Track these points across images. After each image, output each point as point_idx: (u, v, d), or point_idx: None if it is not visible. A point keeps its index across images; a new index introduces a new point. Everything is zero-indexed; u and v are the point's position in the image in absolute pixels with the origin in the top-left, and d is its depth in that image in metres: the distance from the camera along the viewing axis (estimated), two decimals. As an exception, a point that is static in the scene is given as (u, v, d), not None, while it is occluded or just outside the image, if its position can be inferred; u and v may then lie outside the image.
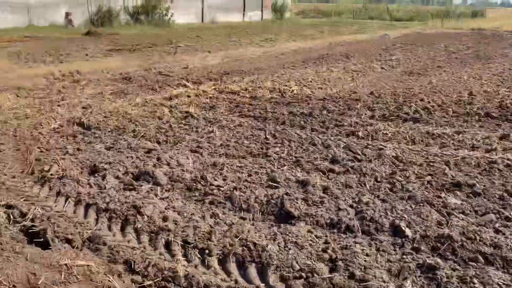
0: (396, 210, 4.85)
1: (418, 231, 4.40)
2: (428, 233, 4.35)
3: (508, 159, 6.41)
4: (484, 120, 8.66)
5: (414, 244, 4.23)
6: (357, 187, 5.55)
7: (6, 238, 4.28)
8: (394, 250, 4.16)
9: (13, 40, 20.62)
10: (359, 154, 6.68)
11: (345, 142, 7.25)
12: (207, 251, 4.15)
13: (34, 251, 4.08)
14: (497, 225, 4.56)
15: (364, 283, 3.61)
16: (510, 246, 4.10)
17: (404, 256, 4.02)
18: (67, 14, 29.35)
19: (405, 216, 4.71)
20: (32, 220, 4.62)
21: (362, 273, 3.75)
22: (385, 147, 7.02)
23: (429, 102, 9.95)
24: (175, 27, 33.14)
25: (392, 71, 14.83)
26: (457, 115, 9.01)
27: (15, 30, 24.65)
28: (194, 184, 5.59)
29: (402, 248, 4.19)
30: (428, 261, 3.90)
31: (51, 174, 5.81)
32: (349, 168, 6.13)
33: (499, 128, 8.05)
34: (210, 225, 4.62)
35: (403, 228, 4.44)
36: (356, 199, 5.15)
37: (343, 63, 16.39)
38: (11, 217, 4.70)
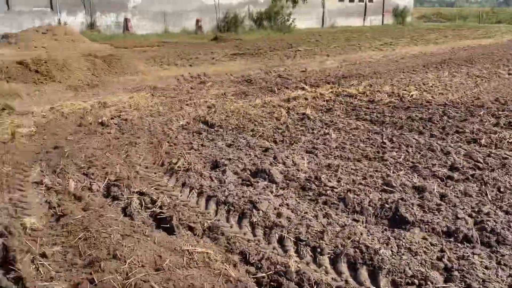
0: (520, 224, 4.42)
1: (546, 248, 3.97)
2: (557, 251, 3.90)
3: None
4: None
5: (541, 262, 3.82)
6: (477, 197, 5.14)
7: (138, 222, 4.61)
8: (518, 266, 3.79)
9: (151, 45, 22.20)
10: (480, 163, 6.20)
11: (465, 150, 6.77)
12: (318, 250, 4.11)
13: (161, 235, 4.35)
14: None
15: (482, 297, 3.33)
16: None
17: (528, 273, 3.65)
18: (197, 21, 30.95)
19: (531, 230, 4.27)
20: (161, 207, 4.92)
21: (480, 285, 3.47)
22: (510, 156, 6.43)
23: (563, 111, 8.95)
24: (296, 31, 33.39)
25: (520, 77, 13.57)
26: None
27: (153, 36, 26.54)
28: (308, 184, 5.56)
29: (527, 264, 3.81)
30: (556, 281, 3.50)
31: (178, 167, 6.15)
32: (469, 176, 5.71)
33: None
34: (322, 224, 4.57)
35: (528, 244, 4.03)
36: (476, 209, 4.78)
37: (466, 68, 15.34)
38: (143, 203, 5.05)
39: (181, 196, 5.34)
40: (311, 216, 4.76)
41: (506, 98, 10.24)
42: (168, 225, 4.52)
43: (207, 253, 4.02)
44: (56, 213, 4.82)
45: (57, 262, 3.97)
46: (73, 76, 11.42)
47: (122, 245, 4.04)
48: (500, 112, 8.97)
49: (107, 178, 5.75)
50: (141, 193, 5.29)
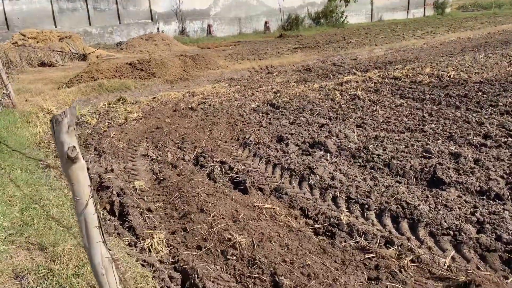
0: (550, 184, 4.05)
1: None
2: None
3: None
4: None
5: None
6: (509, 161, 4.76)
7: (219, 184, 4.73)
8: (546, 221, 3.49)
9: (228, 44, 22.35)
10: (512, 131, 5.72)
11: (499, 120, 6.26)
12: (366, 206, 4.02)
13: (237, 194, 4.43)
14: None
15: (511, 246, 3.11)
16: None
17: (557, 227, 3.35)
18: (265, 23, 30.68)
19: (560, 190, 3.90)
20: (237, 172, 5.01)
21: (510, 236, 3.23)
22: (542, 125, 5.87)
23: None
24: (348, 26, 32.18)
25: (554, 54, 12.23)
26: None
27: (229, 38, 26.70)
28: (358, 153, 5.41)
29: (555, 219, 3.49)
30: None
31: (250, 141, 6.20)
32: (502, 144, 5.29)
33: None
34: (369, 185, 4.45)
35: (557, 201, 3.69)
36: (507, 171, 4.43)
37: (501, 50, 14.04)
38: (223, 170, 5.16)
39: (252, 164, 5.40)
40: (360, 179, 4.64)
41: (539, 74, 9.29)
42: (243, 187, 4.60)
43: (273, 208, 4.06)
44: (158, 178, 5.06)
45: (159, 215, 4.18)
46: (169, 72, 11.78)
47: (207, 202, 4.17)
48: (533, 87, 8.17)
49: (195, 151, 5.94)
50: (222, 162, 5.41)
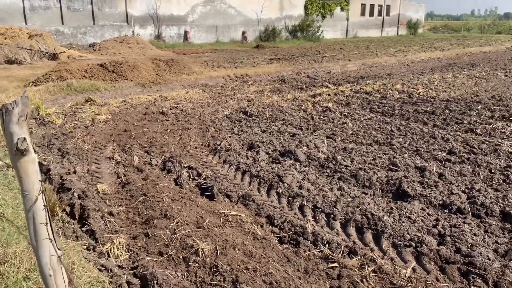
0: (508, 199, 4.18)
1: (530, 220, 3.74)
2: (540, 223, 3.67)
3: None
4: None
5: (525, 232, 3.60)
6: (471, 176, 4.91)
7: (186, 190, 4.65)
8: (503, 234, 3.59)
9: (205, 51, 22.32)
10: (475, 148, 5.91)
11: (463, 137, 6.47)
12: (332, 216, 4.03)
13: (203, 201, 4.37)
14: None
15: (470, 258, 3.17)
16: None
17: (513, 241, 3.45)
18: (243, 33, 30.87)
19: (518, 205, 4.03)
20: (205, 178, 4.94)
21: (469, 249, 3.31)
22: (502, 143, 6.10)
23: (553, 106, 8.39)
24: (324, 41, 32.79)
25: (517, 78, 12.81)
26: None
27: (206, 45, 26.67)
28: (326, 163, 5.46)
29: (511, 232, 3.60)
30: (537, 248, 3.29)
31: (221, 147, 6.16)
32: (465, 160, 5.46)
33: None
34: (336, 195, 4.48)
35: (514, 216, 3.81)
36: (469, 186, 4.56)
37: (468, 70, 14.63)
38: (191, 175, 5.08)
39: (222, 170, 5.35)
40: (327, 188, 4.67)
41: (501, 95, 9.70)
42: (210, 193, 4.54)
43: (239, 216, 4.01)
44: (122, 182, 4.92)
45: (121, 219, 4.06)
46: (141, 75, 11.60)
47: (172, 208, 4.08)
48: (495, 107, 8.51)
49: (163, 155, 5.83)
50: (190, 168, 5.33)
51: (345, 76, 13.78)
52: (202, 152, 6.13)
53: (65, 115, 8.23)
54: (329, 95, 10.38)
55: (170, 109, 8.82)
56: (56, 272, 1.60)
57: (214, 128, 7.33)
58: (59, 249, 1.63)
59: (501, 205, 4.05)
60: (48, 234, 1.55)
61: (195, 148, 6.34)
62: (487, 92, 10.34)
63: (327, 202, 4.30)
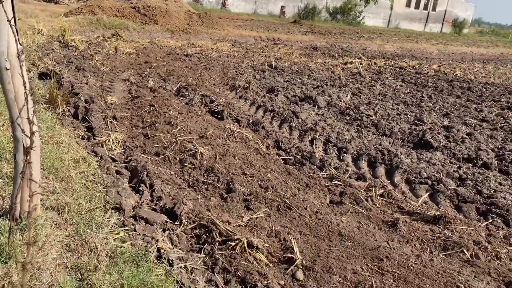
0: (542, 162, 3.78)
1: None
2: None
3: None
4: None
5: (557, 190, 3.22)
6: (503, 141, 4.49)
7: (195, 107, 4.43)
8: (532, 188, 3.23)
9: (240, 18, 21.93)
10: (511, 120, 5.45)
11: (499, 112, 5.99)
12: (344, 150, 3.74)
13: (211, 117, 4.14)
14: None
15: (491, 199, 2.84)
16: None
17: (543, 194, 3.09)
18: (282, 7, 30.21)
19: (552, 167, 3.64)
20: (217, 105, 4.71)
21: (491, 192, 2.97)
22: (542, 121, 5.61)
23: None
24: (363, 27, 31.77)
25: None
26: None
27: (243, 14, 26.21)
28: (347, 111, 5.13)
29: (542, 189, 3.23)
30: None
31: (238, 85, 5.91)
32: (498, 128, 5.02)
33: None
34: (352, 135, 4.18)
35: (547, 175, 3.42)
36: (499, 146, 4.17)
37: (511, 65, 13.79)
38: (203, 101, 4.86)
39: (236, 103, 5.10)
40: (344, 130, 4.36)
41: (547, 87, 9.04)
42: (220, 116, 4.31)
43: (246, 135, 3.77)
44: (132, 96, 4.75)
45: (123, 123, 3.88)
46: (172, 22, 11.39)
47: (177, 118, 3.88)
48: (539, 93, 7.91)
49: (179, 83, 5.62)
50: (204, 95, 5.10)
51: (381, 53, 13.21)
52: (219, 88, 5.89)
53: (90, 43, 8.12)
54: (361, 64, 9.92)
55: (195, 53, 8.59)
56: (14, 69, 1.39)
57: (236, 72, 7.07)
58: (20, 44, 1.41)
59: (533, 165, 3.66)
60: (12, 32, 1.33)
61: (213, 84, 6.10)
62: (531, 82, 9.67)
63: (341, 139, 4.00)
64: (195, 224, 2.24)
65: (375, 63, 10.27)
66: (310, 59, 9.86)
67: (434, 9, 41.85)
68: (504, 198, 2.90)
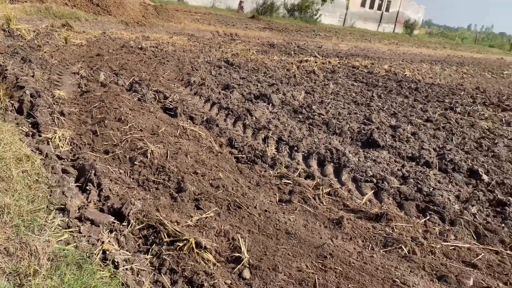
0: (477, 160, 4.05)
1: (495, 179, 3.61)
2: (505, 181, 3.54)
3: None
4: None
5: (489, 187, 3.47)
6: (444, 140, 4.76)
7: (147, 104, 4.36)
8: (466, 185, 3.46)
9: (198, 12, 21.65)
10: (452, 121, 5.78)
11: (442, 112, 6.33)
12: (295, 148, 3.82)
13: (164, 115, 4.10)
14: None
15: (430, 197, 3.02)
16: None
17: (476, 191, 3.32)
18: (240, 2, 30.14)
19: (485, 165, 3.91)
20: (171, 101, 4.65)
21: (430, 190, 3.15)
22: (479, 122, 5.99)
23: (533, 103, 8.37)
24: (320, 25, 32.35)
25: (502, 80, 12.80)
26: (560, 116, 7.43)
27: (201, 7, 25.90)
28: (300, 109, 5.23)
29: (476, 187, 3.47)
30: (500, 197, 3.16)
31: (194, 82, 5.86)
32: (440, 127, 5.31)
33: None
34: (304, 134, 4.27)
35: (481, 173, 3.67)
36: (441, 146, 4.42)
37: (456, 67, 14.57)
38: (157, 97, 4.78)
39: (190, 99, 5.07)
40: (297, 128, 4.45)
41: (485, 88, 9.65)
42: (173, 112, 4.26)
43: (199, 133, 3.76)
44: (81, 90, 4.59)
45: (71, 119, 3.75)
46: (126, 13, 11.08)
47: (128, 114, 3.80)
48: (477, 95, 8.43)
49: (132, 78, 5.49)
50: (158, 91, 5.01)
51: (335, 52, 13.54)
52: (174, 84, 5.82)
53: (37, 33, 7.74)
54: (316, 62, 10.12)
55: (150, 47, 8.41)
56: None
57: (192, 67, 7.00)
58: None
59: (469, 164, 3.91)
60: None
61: (168, 80, 6.02)
62: (472, 84, 10.29)
63: (293, 137, 4.08)
64: (143, 224, 2.22)
65: (329, 62, 10.51)
66: (267, 56, 9.94)
67: (387, 9, 43.34)
68: (442, 195, 3.08)
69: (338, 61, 10.97)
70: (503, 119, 6.46)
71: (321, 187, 2.91)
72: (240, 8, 29.89)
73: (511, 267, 2.25)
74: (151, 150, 3.09)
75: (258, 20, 23.65)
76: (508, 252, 2.45)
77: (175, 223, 2.21)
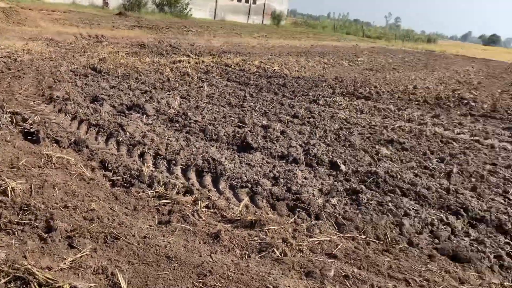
0: (336, 152, 4.58)
1: (351, 168, 4.14)
2: (359, 169, 4.09)
3: (435, 131, 6.17)
4: (422, 104, 8.39)
5: (346, 176, 3.97)
6: (309, 135, 5.26)
7: (2, 132, 3.94)
8: (328, 178, 3.90)
9: (57, 10, 19.83)
10: (316, 114, 6.39)
11: (307, 106, 6.95)
12: (173, 162, 3.86)
13: (24, 143, 3.76)
14: (416, 171, 4.31)
15: (298, 195, 3.34)
16: (424, 185, 3.85)
17: (336, 182, 3.77)
18: (104, -2, 28.42)
19: (343, 156, 4.45)
20: (31, 124, 4.27)
21: (298, 188, 3.49)
22: (338, 112, 6.73)
23: (380, 89, 9.66)
24: (191, 19, 32.26)
25: (356, 67, 14.46)
26: (401, 99, 8.73)
27: (60, 5, 23.76)
28: (176, 118, 5.26)
29: (336, 178, 3.93)
30: (354, 186, 3.65)
31: (57, 97, 5.45)
32: (305, 122, 5.85)
33: (432, 111, 7.80)
34: (181, 145, 4.32)
35: (339, 164, 4.17)
36: (306, 141, 4.87)
37: (319, 58, 15.96)
38: (14, 120, 4.34)
39: (55, 119, 4.71)
40: (173, 139, 4.48)
41: (342, 78, 10.80)
42: (35, 137, 3.93)
43: (67, 159, 3.55)
44: None
45: None
46: (-33, 18, 9.67)
47: (-21, 147, 3.41)
48: (336, 85, 9.41)
49: (-19, 99, 4.89)
50: (15, 113, 4.55)
51: (208, 49, 13.72)
52: (34, 101, 5.34)
53: None
54: (189, 63, 10.16)
55: (1, 57, 7.52)
56: None
57: (53, 79, 6.47)
58: None
59: (330, 156, 4.40)
60: None
61: (26, 97, 5.49)
62: (332, 74, 11.41)
63: (170, 150, 4.11)
64: (9, 277, 2.06)
65: (202, 61, 10.65)
66: (138, 59, 9.65)
67: (254, 2, 45.08)
68: (307, 191, 3.44)
69: (211, 60, 11.16)
70: (357, 107, 7.34)
71: (199, 202, 3.01)
72: (105, 4, 28.26)
73: (364, 252, 2.64)
74: (11, 188, 2.83)
75: (126, 17, 22.65)
76: (362, 236, 2.87)
77: (47, 269, 2.10)
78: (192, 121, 5.20)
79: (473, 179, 4.24)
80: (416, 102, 8.48)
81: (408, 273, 2.43)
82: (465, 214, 3.39)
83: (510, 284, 2.51)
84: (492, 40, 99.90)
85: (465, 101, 9.06)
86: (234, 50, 14.60)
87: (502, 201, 3.75)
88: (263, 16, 46.09)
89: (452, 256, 2.73)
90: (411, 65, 17.77)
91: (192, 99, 6.47)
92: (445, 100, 8.97)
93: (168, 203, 2.99)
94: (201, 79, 8.28)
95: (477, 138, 6.02)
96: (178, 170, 3.75)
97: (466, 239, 2.99)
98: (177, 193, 3.21)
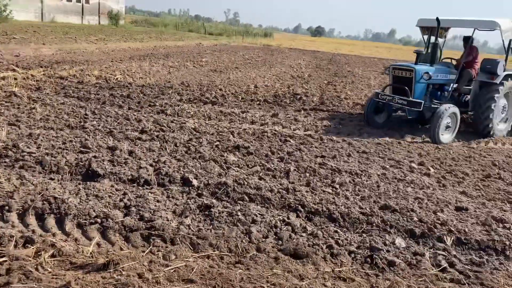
0: (187, 167, 4.70)
1: (203, 181, 4.32)
2: (210, 182, 4.29)
3: (274, 130, 6.79)
4: (263, 104, 9.11)
5: (198, 191, 4.13)
6: (159, 151, 5.27)
7: None
8: (181, 196, 4.00)
9: None
10: (165, 127, 6.41)
11: (155, 118, 6.90)
12: (6, 208, 3.46)
13: None
14: (261, 174, 4.72)
15: (151, 223, 3.36)
16: (268, 188, 4.25)
17: (188, 200, 3.89)
18: None
19: (194, 170, 4.59)
20: None
21: (151, 215, 3.51)
22: (187, 121, 6.87)
23: (225, 91, 10.13)
24: (14, 22, 28.41)
25: (201, 69, 14.81)
26: (245, 100, 9.33)
27: None
28: (5, 151, 4.68)
29: (188, 194, 4.06)
30: (206, 202, 3.83)
31: None
32: (155, 137, 5.82)
33: (272, 110, 8.54)
34: (15, 185, 3.89)
35: (191, 179, 4.31)
36: (156, 160, 4.87)
37: (163, 61, 15.84)
38: None
39: None
40: (4, 179, 3.99)
41: (189, 82, 10.98)
42: None
43: None
44: None
45: None
46: None
47: None
48: (183, 91, 9.54)
49: None
50: None
51: (37, 60, 12.35)
52: None
53: None
54: (15, 79, 9.04)
55: None
56: None
57: None
58: None
59: (182, 172, 4.50)
60: None
61: None
62: (178, 79, 11.48)
63: (1, 193, 3.66)
64: None
65: (32, 76, 9.61)
66: None
67: (88, 2, 42.08)
68: (161, 216, 3.48)
69: (43, 73, 10.14)
70: (205, 114, 7.60)
71: (42, 252, 2.79)
72: None
73: (218, 269, 2.83)
74: None
75: None
76: (216, 252, 3.06)
77: None
78: (25, 153, 4.69)
79: (307, 174, 4.85)
80: (258, 102, 9.17)
81: (257, 281, 2.70)
82: (302, 210, 3.88)
83: (340, 269, 2.99)
84: (318, 32, 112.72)
85: (299, 96, 10.16)
86: (70, 58, 13.47)
87: (330, 191, 4.39)
88: (99, 16, 43.29)
89: (293, 254, 3.12)
90: (251, 62, 18.97)
91: (23, 125, 5.82)
92: (282, 97, 9.91)
93: (5, 261, 2.70)
94: (32, 98, 7.47)
95: (309, 132, 6.85)
96: (13, 217, 3.38)
97: (304, 234, 3.45)
98: (15, 246, 2.91)
